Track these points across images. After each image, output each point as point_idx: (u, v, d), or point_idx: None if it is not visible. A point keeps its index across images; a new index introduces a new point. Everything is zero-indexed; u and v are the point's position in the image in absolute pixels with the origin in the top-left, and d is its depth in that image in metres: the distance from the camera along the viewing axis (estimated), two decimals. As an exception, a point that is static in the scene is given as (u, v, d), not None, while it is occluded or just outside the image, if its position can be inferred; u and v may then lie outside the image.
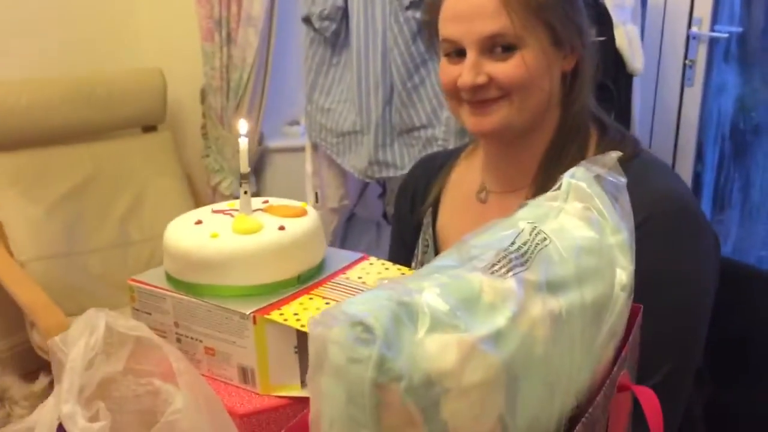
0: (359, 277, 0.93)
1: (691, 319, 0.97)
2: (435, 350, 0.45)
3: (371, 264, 0.97)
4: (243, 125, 0.95)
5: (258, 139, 2.59)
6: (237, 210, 0.95)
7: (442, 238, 1.19)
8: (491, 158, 1.13)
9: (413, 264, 1.23)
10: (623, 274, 0.61)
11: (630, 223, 0.66)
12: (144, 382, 0.81)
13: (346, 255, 1.00)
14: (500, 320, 0.49)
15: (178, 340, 0.91)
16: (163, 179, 2.60)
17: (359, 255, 1.00)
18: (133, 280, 0.94)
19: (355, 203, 2.46)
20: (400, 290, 0.47)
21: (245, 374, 0.86)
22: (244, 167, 0.94)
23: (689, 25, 2.37)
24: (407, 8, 1.89)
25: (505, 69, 0.98)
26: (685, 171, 2.43)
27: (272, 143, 2.67)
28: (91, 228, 2.49)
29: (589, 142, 1.06)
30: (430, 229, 1.21)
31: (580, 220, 0.62)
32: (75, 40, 2.66)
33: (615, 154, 0.69)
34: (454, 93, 1.03)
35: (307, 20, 2.16)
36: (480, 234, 0.58)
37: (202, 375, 0.87)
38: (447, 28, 1.02)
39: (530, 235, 0.57)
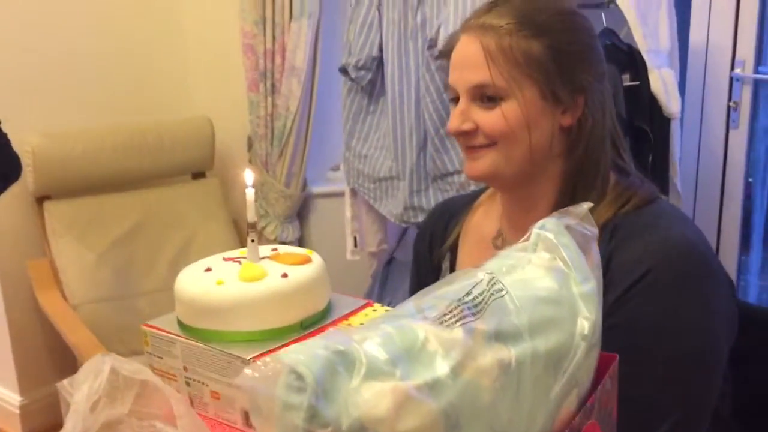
0: (361, 324, 0.96)
1: (698, 369, 0.96)
2: (369, 398, 0.47)
3: (374, 310, 1.00)
4: (248, 176, 0.99)
5: (302, 185, 2.66)
6: (246, 258, 0.99)
7: None
8: (506, 205, 1.15)
9: None
10: (585, 323, 0.62)
11: (598, 272, 0.67)
12: (146, 425, 0.84)
13: (351, 301, 1.02)
14: (441, 369, 0.51)
15: (187, 384, 0.95)
16: (211, 224, 2.69)
17: (364, 301, 1.02)
18: (147, 325, 0.98)
19: (394, 247, 2.49)
20: (340, 340, 0.49)
21: (248, 418, 0.89)
22: (251, 217, 0.98)
23: (732, 67, 2.35)
24: (437, 58, 1.93)
25: (488, 118, 1.02)
26: (733, 214, 2.39)
27: (316, 188, 2.74)
28: (141, 272, 2.58)
29: (608, 189, 1.06)
30: (448, 273, 1.22)
31: (545, 271, 0.64)
32: (127, 90, 2.79)
33: (586, 205, 0.71)
34: (455, 137, 1.09)
35: (343, 70, 2.23)
36: (443, 284, 0.60)
37: (210, 418, 0.91)
38: (450, 75, 1.07)
39: (487, 285, 0.59)
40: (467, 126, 1.04)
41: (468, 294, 0.58)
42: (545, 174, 1.07)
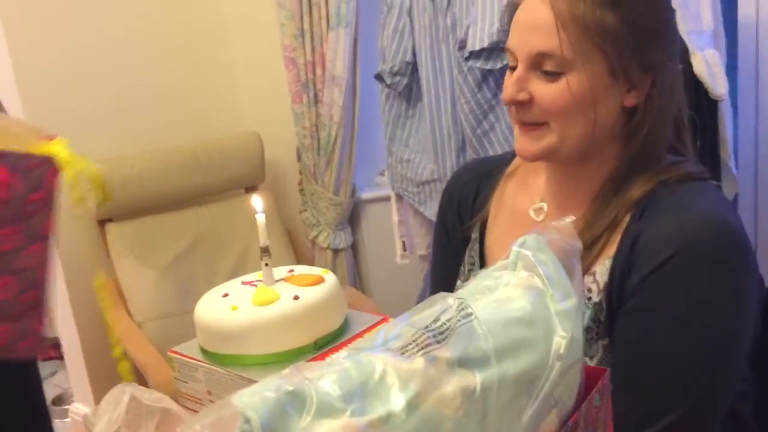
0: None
1: (713, 365, 0.91)
2: (319, 436, 0.48)
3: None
4: (257, 202, 1.01)
5: (351, 192, 2.68)
6: (262, 281, 1.02)
7: (491, 255, 1.15)
8: (552, 177, 1.08)
9: (460, 280, 1.19)
10: (562, 342, 0.62)
11: (580, 287, 0.66)
12: (167, 451, 0.88)
13: (367, 318, 1.04)
14: (396, 402, 0.52)
15: (212, 407, 0.98)
16: (270, 237, 2.73)
17: (380, 317, 1.03)
18: (173, 351, 1.02)
19: (444, 249, 2.49)
20: (291, 379, 0.50)
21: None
22: (263, 241, 1.00)
23: (786, 42, 2.25)
24: (467, 59, 1.93)
25: (548, 91, 0.94)
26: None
27: (365, 194, 2.76)
28: (200, 287, 2.64)
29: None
30: (477, 245, 1.17)
31: (522, 290, 0.64)
32: (179, 112, 2.87)
33: (570, 219, 0.70)
34: (509, 107, 1.01)
35: (379, 77, 2.24)
36: (417, 311, 0.61)
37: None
38: (510, 38, 0.99)
39: (456, 311, 0.59)
40: (523, 96, 0.96)
41: (435, 321, 0.58)
42: (601, 153, 1.00)
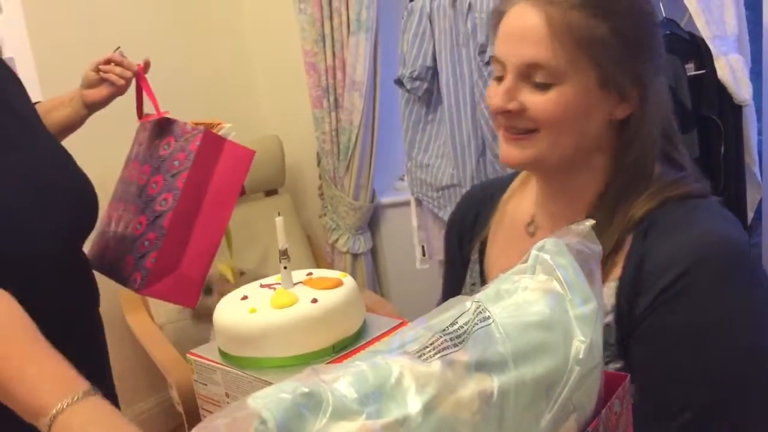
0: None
1: (745, 371, 0.90)
2: (335, 438, 0.48)
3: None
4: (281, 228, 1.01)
5: (370, 196, 2.68)
6: (281, 284, 1.02)
7: (490, 273, 1.14)
8: (542, 192, 1.07)
9: None
10: (581, 347, 0.61)
11: (600, 291, 0.66)
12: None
13: (385, 321, 1.03)
14: (413, 405, 0.51)
15: (230, 409, 0.98)
16: (288, 240, 2.74)
17: (398, 321, 1.03)
18: (192, 353, 1.02)
19: (463, 254, 2.48)
20: (308, 381, 0.50)
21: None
22: (282, 244, 1.00)
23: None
24: (487, 63, 1.92)
25: (539, 101, 0.92)
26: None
27: (385, 199, 2.76)
28: (221, 289, 2.67)
29: (651, 183, 0.98)
30: (477, 266, 1.16)
31: (540, 294, 0.63)
32: (201, 115, 2.86)
33: (589, 222, 0.69)
34: (494, 114, 0.98)
35: (399, 82, 2.24)
36: (435, 314, 0.61)
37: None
38: (497, 47, 0.96)
39: (473, 314, 0.59)
40: (513, 106, 0.92)
41: (453, 324, 0.58)
42: (589, 166, 0.99)
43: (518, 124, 0.94)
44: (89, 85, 1.51)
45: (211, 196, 1.35)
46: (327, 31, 2.52)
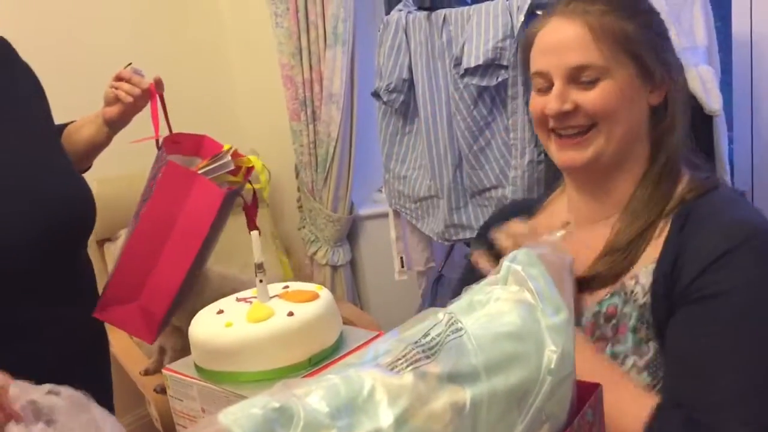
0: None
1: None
2: (307, 452, 0.48)
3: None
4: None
5: (349, 209, 2.69)
6: (257, 297, 1.02)
7: None
8: (579, 193, 1.13)
9: None
10: (553, 356, 0.62)
11: (570, 300, 0.66)
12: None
13: (362, 334, 1.04)
14: (385, 419, 0.52)
15: (207, 424, 0.98)
16: (264, 254, 2.73)
17: (374, 333, 1.03)
18: (167, 369, 1.02)
19: (442, 265, 2.49)
20: (279, 395, 0.50)
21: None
22: (258, 257, 1.00)
23: (780, 57, 2.26)
24: (462, 76, 1.93)
25: (591, 97, 1.02)
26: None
27: (363, 211, 2.77)
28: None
29: (679, 180, 1.07)
30: None
31: (512, 305, 0.64)
32: (178, 129, 2.87)
33: (560, 233, 0.70)
34: (542, 122, 1.08)
35: (375, 95, 2.25)
36: (407, 326, 0.61)
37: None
38: (537, 62, 1.07)
39: (446, 326, 0.59)
40: (568, 106, 1.03)
41: (425, 336, 0.59)
42: (632, 159, 1.07)
43: (575, 122, 1.04)
44: (107, 102, 1.50)
45: (178, 232, 1.30)
46: (304, 44, 2.53)
